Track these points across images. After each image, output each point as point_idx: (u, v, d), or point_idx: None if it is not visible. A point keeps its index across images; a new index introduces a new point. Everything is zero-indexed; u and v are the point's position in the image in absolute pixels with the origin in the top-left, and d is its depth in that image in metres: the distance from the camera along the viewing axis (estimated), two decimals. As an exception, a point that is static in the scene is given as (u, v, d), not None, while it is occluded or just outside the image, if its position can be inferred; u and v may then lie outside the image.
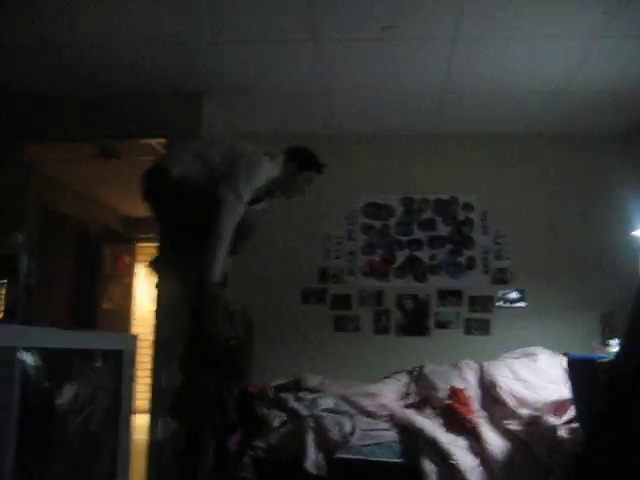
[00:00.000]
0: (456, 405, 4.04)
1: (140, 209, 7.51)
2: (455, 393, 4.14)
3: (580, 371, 3.35)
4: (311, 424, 3.81)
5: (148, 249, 8.25)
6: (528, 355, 4.37)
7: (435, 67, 4.10)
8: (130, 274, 7.78)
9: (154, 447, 4.16)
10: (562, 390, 3.85)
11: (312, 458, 3.64)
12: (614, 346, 3.81)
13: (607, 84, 4.25)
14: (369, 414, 4.14)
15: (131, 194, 6.97)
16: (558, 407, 3.83)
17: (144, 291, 8.27)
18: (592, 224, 4.99)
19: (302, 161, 3.81)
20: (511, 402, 3.98)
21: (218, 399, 3.79)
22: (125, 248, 7.69)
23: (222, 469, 3.83)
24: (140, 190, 3.68)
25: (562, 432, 3.58)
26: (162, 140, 4.83)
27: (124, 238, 7.73)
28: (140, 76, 4.36)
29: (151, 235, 7.74)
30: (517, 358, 4.39)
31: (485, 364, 4.37)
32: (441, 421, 3.98)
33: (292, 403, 4.04)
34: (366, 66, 4.14)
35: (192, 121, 4.55)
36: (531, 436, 3.68)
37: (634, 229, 4.04)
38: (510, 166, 5.18)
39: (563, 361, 4.01)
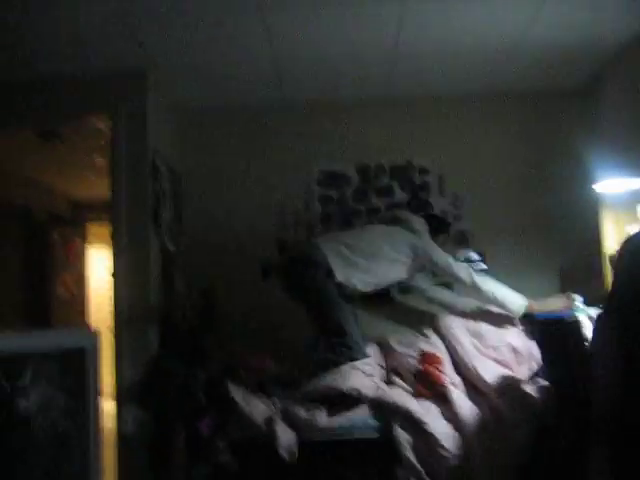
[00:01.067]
0: (429, 369, 4.00)
1: (89, 192, 7.38)
2: (426, 357, 4.09)
3: (547, 331, 3.36)
4: (279, 406, 3.73)
5: (99, 230, 8.05)
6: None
7: (386, 29, 3.98)
8: (82, 259, 7.56)
9: (123, 438, 4.05)
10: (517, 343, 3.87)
11: (284, 442, 3.57)
12: (578, 301, 3.81)
13: (562, 38, 4.17)
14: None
15: (77, 177, 6.81)
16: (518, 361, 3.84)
17: (99, 275, 8.09)
18: (551, 181, 4.98)
19: (436, 226, 4.19)
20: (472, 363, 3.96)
21: (185, 384, 3.72)
22: (75, 232, 7.46)
23: (196, 456, 3.77)
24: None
25: (527, 388, 3.61)
26: (107, 120, 4.67)
27: (72, 221, 7.49)
28: (81, 54, 4.13)
29: (103, 218, 7.57)
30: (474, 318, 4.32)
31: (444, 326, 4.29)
32: (411, 390, 3.93)
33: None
34: (315, 32, 4.00)
35: (137, 99, 4.38)
36: (497, 394, 3.68)
37: (594, 183, 4.04)
38: (465, 127, 5.12)
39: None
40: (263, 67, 4.48)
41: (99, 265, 8.17)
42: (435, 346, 4.17)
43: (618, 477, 2.08)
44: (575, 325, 3.10)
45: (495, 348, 3.94)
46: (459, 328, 4.14)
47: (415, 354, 4.10)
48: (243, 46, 4.14)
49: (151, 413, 3.90)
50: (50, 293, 6.71)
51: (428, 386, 3.86)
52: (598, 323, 2.55)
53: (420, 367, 4.00)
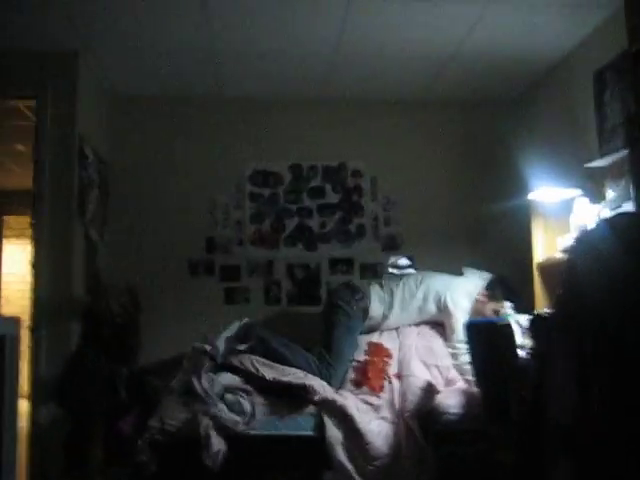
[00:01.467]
0: (373, 360, 3.99)
1: (7, 181, 7.04)
2: (373, 349, 4.07)
3: (480, 335, 3.37)
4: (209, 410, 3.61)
5: (18, 223, 7.73)
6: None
7: (328, 29, 3.96)
8: (-3, 251, 7.22)
9: (36, 436, 3.83)
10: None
11: (212, 449, 3.46)
12: (507, 307, 3.87)
13: (499, 49, 4.26)
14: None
15: (-6, 164, 6.49)
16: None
17: (15, 270, 7.75)
18: (484, 189, 5.05)
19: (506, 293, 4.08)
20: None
21: (107, 381, 3.57)
22: (-11, 223, 7.11)
23: (115, 455, 3.61)
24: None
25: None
26: (30, 102, 4.45)
27: (-13, 212, 7.15)
28: (9, 30, 3.91)
29: (21, 209, 7.24)
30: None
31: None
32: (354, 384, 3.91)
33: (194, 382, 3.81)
34: (256, 27, 3.93)
35: (66, 81, 4.18)
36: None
37: (528, 192, 4.11)
38: (401, 132, 5.15)
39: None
40: (201, 59, 4.38)
41: (13, 259, 7.84)
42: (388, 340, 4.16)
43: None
44: (507, 329, 3.10)
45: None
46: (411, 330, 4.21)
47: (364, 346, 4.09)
48: (182, 36, 4.04)
49: (69, 411, 3.71)
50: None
51: (368, 377, 3.86)
52: (546, 338, 2.51)
53: (367, 358, 3.99)
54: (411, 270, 4.97)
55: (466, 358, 3.78)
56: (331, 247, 5.01)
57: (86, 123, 4.31)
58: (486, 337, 3.26)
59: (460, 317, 3.99)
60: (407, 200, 5.08)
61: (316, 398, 3.67)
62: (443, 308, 4.09)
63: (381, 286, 4.29)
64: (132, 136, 4.95)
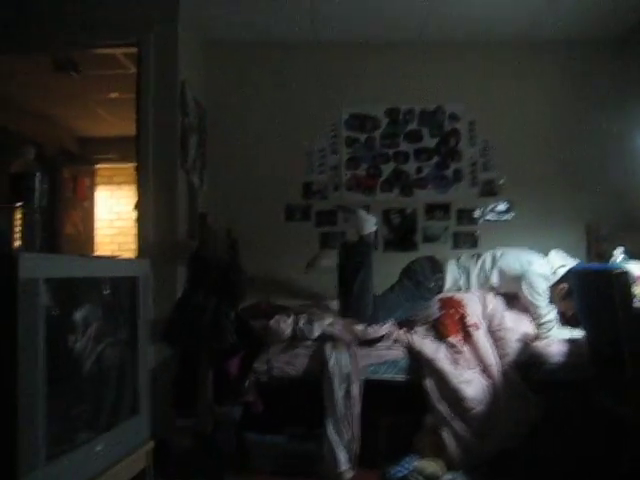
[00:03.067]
0: (450, 312, 3.97)
1: (98, 128, 7.19)
2: (445, 303, 4.02)
3: (592, 282, 3.28)
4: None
5: (107, 171, 7.90)
6: None
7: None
8: (90, 198, 7.41)
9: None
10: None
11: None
12: (617, 256, 3.75)
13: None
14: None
15: (89, 112, 6.61)
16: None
17: (104, 215, 7.96)
18: (585, 132, 4.87)
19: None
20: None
21: (215, 323, 3.64)
22: (84, 170, 7.29)
23: (223, 395, 3.71)
24: None
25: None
26: (128, 50, 4.48)
27: (82, 160, 7.31)
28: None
29: (110, 156, 7.41)
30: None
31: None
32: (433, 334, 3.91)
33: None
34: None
35: (167, 28, 4.17)
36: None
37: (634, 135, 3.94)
38: (499, 75, 4.98)
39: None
40: (297, 2, 4.30)
41: (105, 205, 8.06)
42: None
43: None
44: (623, 277, 2.99)
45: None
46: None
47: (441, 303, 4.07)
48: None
49: (179, 351, 3.82)
50: (59, 230, 6.57)
51: (448, 329, 3.86)
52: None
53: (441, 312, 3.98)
54: (508, 216, 4.89)
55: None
56: (427, 193, 4.94)
57: (186, 68, 4.32)
58: (600, 284, 3.17)
59: (541, 304, 3.86)
60: (506, 144, 4.93)
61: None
62: (522, 295, 3.96)
63: (458, 264, 4.22)
64: (229, 81, 4.95)
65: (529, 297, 3.88)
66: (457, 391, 3.58)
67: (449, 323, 3.87)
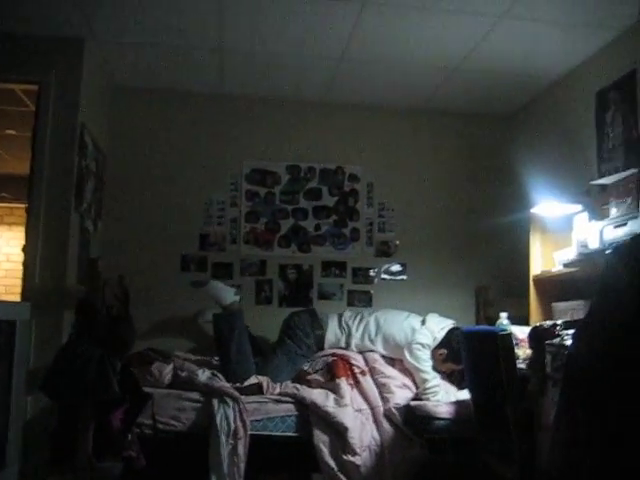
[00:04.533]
0: (343, 357, 4.11)
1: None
2: (337, 355, 4.16)
3: (479, 343, 3.40)
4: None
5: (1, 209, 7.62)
6: None
7: (339, 32, 3.95)
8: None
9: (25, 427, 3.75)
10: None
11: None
12: (502, 319, 3.91)
13: (502, 63, 4.30)
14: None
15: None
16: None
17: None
18: (481, 201, 5.14)
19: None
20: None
21: (101, 373, 3.51)
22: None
23: (104, 449, 3.55)
24: None
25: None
26: (28, 86, 4.38)
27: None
28: (17, 13, 3.84)
29: (2, 195, 7.15)
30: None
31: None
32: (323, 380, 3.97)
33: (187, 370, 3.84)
34: (266, 25, 3.92)
35: (71, 68, 4.10)
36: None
37: (527, 206, 4.17)
38: (399, 139, 5.18)
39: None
40: (207, 54, 4.35)
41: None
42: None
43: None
44: (507, 338, 3.13)
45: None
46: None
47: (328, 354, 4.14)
48: (191, 30, 4.01)
49: (59, 402, 3.64)
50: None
51: (340, 371, 3.98)
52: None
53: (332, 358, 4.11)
54: (403, 276, 5.02)
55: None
56: (325, 250, 5.00)
57: (87, 112, 4.24)
58: (485, 346, 3.28)
59: (426, 370, 3.99)
60: (403, 208, 5.11)
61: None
62: (405, 362, 4.09)
63: (339, 322, 4.33)
64: (131, 128, 4.89)
65: (414, 364, 4.01)
66: (343, 434, 3.60)
67: (340, 367, 4.00)
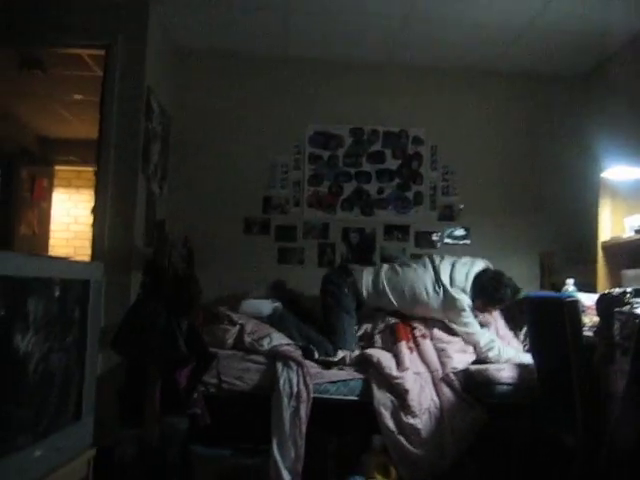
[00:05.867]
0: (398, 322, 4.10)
1: (60, 129, 7.09)
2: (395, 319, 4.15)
3: (545, 310, 3.34)
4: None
5: (66, 173, 7.80)
6: None
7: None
8: (48, 199, 7.28)
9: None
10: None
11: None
12: (568, 286, 3.83)
13: (573, 22, 4.16)
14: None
15: (51, 112, 6.52)
16: None
17: (61, 218, 7.86)
18: (548, 164, 5.01)
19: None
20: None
21: (168, 332, 3.60)
22: (42, 171, 7.16)
23: (171, 406, 3.66)
24: None
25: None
26: (95, 51, 4.44)
27: (42, 160, 7.19)
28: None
29: (70, 158, 7.31)
30: None
31: None
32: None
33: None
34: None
35: (136, 33, 4.15)
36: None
37: (597, 170, 4.04)
38: (465, 102, 5.07)
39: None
40: (271, 16, 4.33)
41: (62, 207, 7.95)
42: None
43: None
44: (574, 305, 3.06)
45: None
46: None
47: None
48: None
49: (128, 359, 3.75)
50: (14, 230, 6.43)
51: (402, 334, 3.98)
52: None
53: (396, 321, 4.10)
54: (466, 241, 4.97)
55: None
56: (387, 213, 4.98)
57: (153, 75, 4.29)
58: (552, 312, 3.22)
59: (474, 332, 3.94)
60: (467, 171, 5.03)
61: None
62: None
63: (373, 272, 4.23)
64: (195, 90, 4.94)
65: (463, 330, 3.97)
66: (404, 396, 3.60)
67: (402, 330, 4.00)
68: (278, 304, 4.33)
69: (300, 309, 4.39)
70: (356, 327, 4.16)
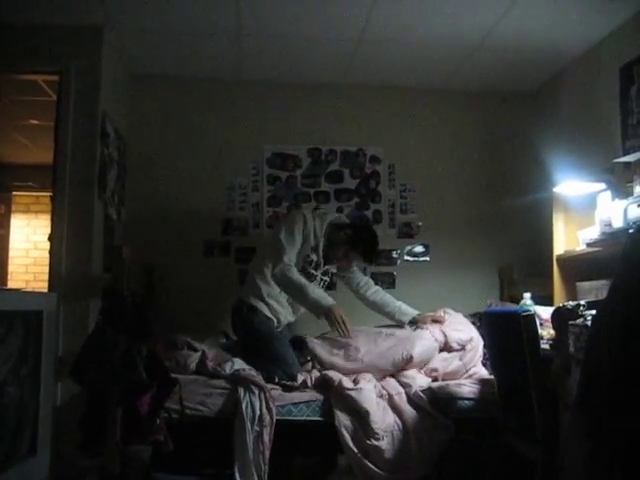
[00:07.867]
0: None
1: (16, 155, 7.02)
2: None
3: (503, 324, 3.39)
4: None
5: (24, 198, 7.71)
6: None
7: (355, 13, 3.92)
8: (5, 225, 7.18)
9: (53, 414, 3.82)
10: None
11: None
12: (526, 299, 3.89)
13: (525, 39, 4.23)
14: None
15: (7, 138, 6.45)
16: None
17: (20, 244, 7.75)
18: (503, 180, 5.11)
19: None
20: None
21: (128, 359, 3.56)
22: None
23: (132, 434, 3.61)
24: None
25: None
26: (50, 77, 4.41)
27: (-3, 187, 7.11)
28: (32, 4, 3.85)
29: (28, 184, 7.23)
30: None
31: None
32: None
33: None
34: (284, 9, 3.89)
35: (91, 57, 4.12)
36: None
37: (550, 185, 4.12)
38: (420, 120, 5.14)
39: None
40: (226, 40, 4.35)
41: (21, 233, 7.84)
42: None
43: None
44: (531, 319, 3.12)
45: None
46: None
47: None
48: (209, 16, 3.99)
49: (87, 388, 3.70)
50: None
51: None
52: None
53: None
54: (426, 257, 5.02)
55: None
56: (347, 232, 4.99)
57: (108, 100, 4.27)
58: (509, 326, 3.27)
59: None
60: (425, 189, 5.09)
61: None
62: None
63: None
64: (152, 115, 4.92)
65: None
66: (365, 418, 3.57)
67: None
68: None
69: None
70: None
